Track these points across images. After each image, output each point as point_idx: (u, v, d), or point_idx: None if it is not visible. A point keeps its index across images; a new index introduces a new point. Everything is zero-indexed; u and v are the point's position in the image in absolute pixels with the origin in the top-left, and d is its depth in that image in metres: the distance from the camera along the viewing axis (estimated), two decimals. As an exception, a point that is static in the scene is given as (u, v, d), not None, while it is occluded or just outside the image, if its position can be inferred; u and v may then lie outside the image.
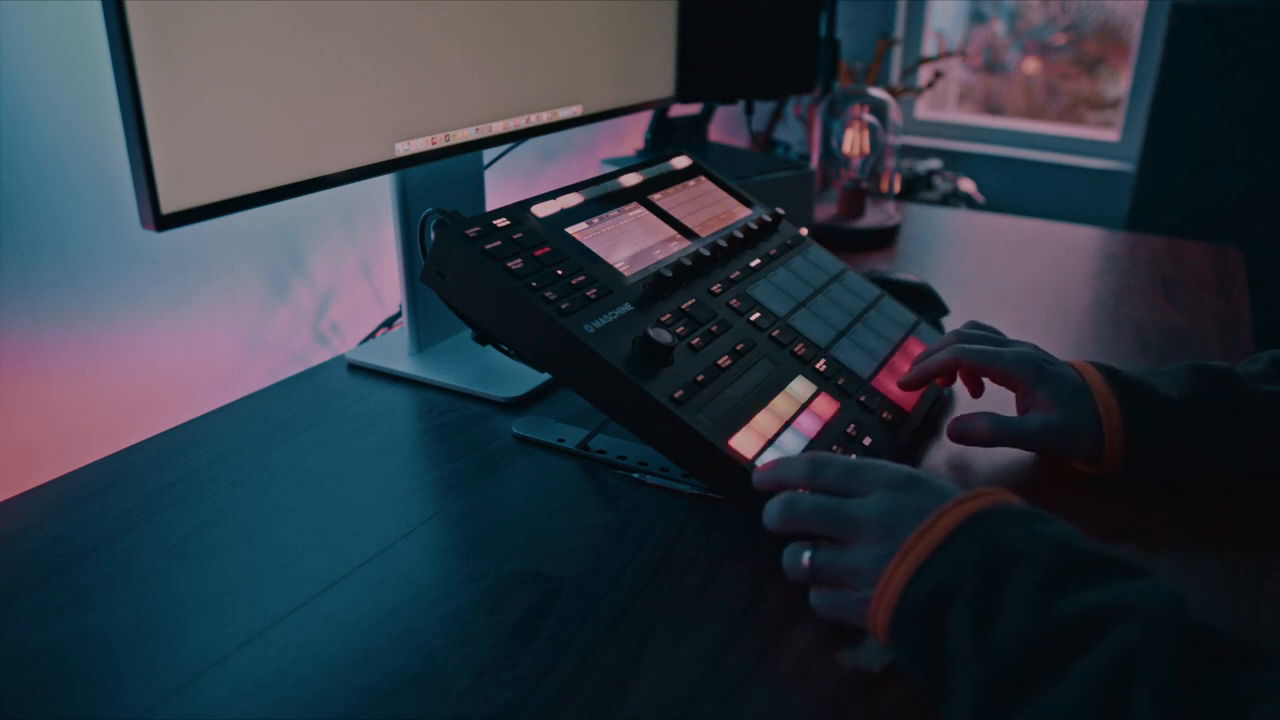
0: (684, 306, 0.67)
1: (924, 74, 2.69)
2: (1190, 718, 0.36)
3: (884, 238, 1.24)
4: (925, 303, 0.92)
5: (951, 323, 0.95)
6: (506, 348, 0.68)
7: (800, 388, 0.66)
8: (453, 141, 0.78)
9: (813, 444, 0.61)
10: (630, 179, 0.79)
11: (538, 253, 0.64)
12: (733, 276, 0.73)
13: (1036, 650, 0.40)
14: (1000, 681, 0.40)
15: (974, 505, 0.46)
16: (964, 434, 0.67)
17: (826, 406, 0.65)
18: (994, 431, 0.65)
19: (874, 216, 1.28)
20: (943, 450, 0.71)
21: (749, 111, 1.35)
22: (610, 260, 0.68)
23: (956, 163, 2.64)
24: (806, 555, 0.51)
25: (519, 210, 0.68)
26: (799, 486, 0.53)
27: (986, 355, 0.67)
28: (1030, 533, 0.44)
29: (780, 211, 0.84)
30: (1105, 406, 0.62)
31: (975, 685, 0.41)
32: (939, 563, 0.44)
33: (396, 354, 0.83)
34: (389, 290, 1.09)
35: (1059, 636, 0.40)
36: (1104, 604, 0.40)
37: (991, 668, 0.41)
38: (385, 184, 0.80)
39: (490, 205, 0.93)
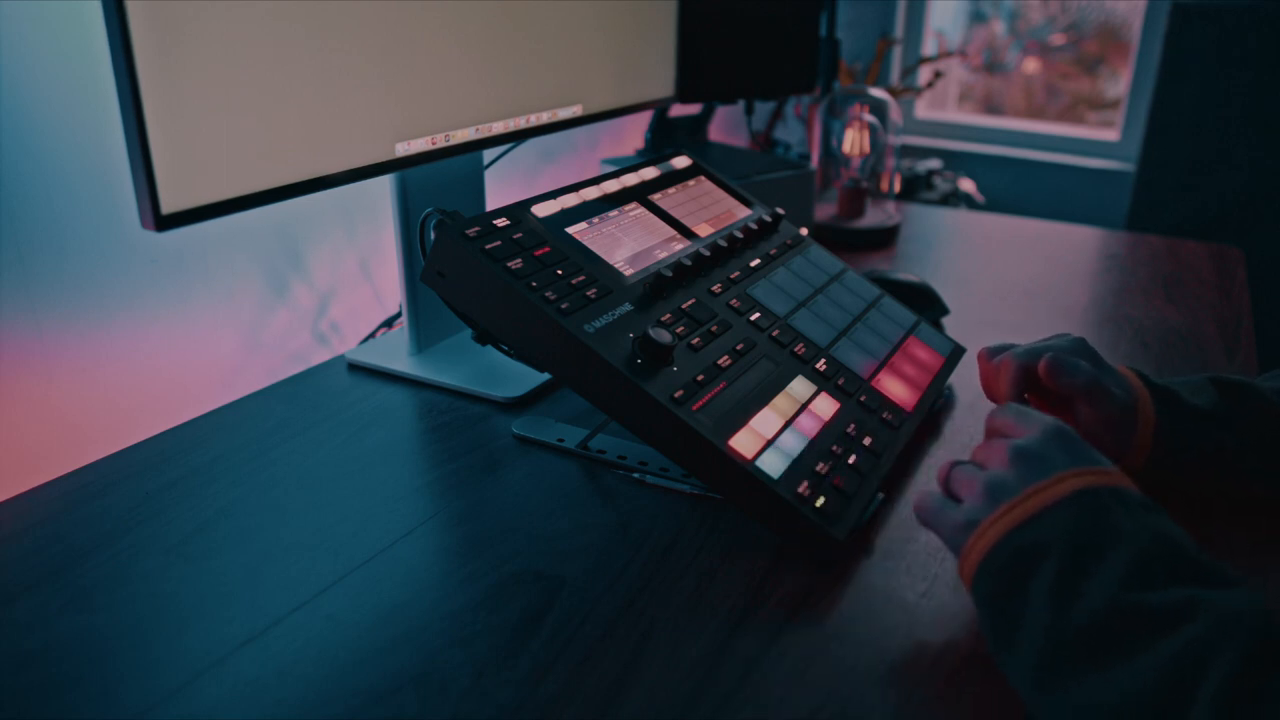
0: (684, 306, 0.67)
1: (924, 74, 2.69)
2: (1253, 715, 0.36)
3: (884, 238, 1.24)
4: (925, 303, 0.92)
5: (951, 323, 0.95)
6: (506, 348, 0.68)
7: (800, 388, 0.66)
8: (453, 141, 0.78)
9: (812, 444, 0.61)
10: (630, 179, 0.79)
11: (538, 253, 0.64)
12: (733, 276, 0.73)
13: (1112, 625, 0.41)
14: (1068, 647, 0.42)
15: (1093, 480, 0.47)
16: (1063, 371, 0.61)
17: (826, 406, 0.65)
18: (1090, 383, 0.61)
19: (874, 216, 1.28)
20: (943, 450, 0.71)
21: (749, 111, 1.35)
22: (610, 260, 0.68)
23: (956, 163, 2.64)
24: (949, 462, 0.54)
25: (519, 210, 0.68)
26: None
27: (1043, 349, 0.64)
28: (1136, 521, 0.45)
29: (780, 211, 0.84)
30: (1143, 405, 0.62)
31: (1043, 642, 0.42)
32: (1039, 523, 0.46)
33: (396, 354, 0.83)
34: (389, 290, 1.09)
35: (1137, 617, 0.41)
36: (1187, 597, 0.41)
37: (1062, 629, 0.42)
38: (385, 184, 0.80)
39: (490, 205, 0.93)
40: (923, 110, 2.79)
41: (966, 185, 2.44)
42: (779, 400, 0.64)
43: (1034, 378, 0.64)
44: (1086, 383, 0.61)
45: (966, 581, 0.49)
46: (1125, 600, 0.42)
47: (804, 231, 0.87)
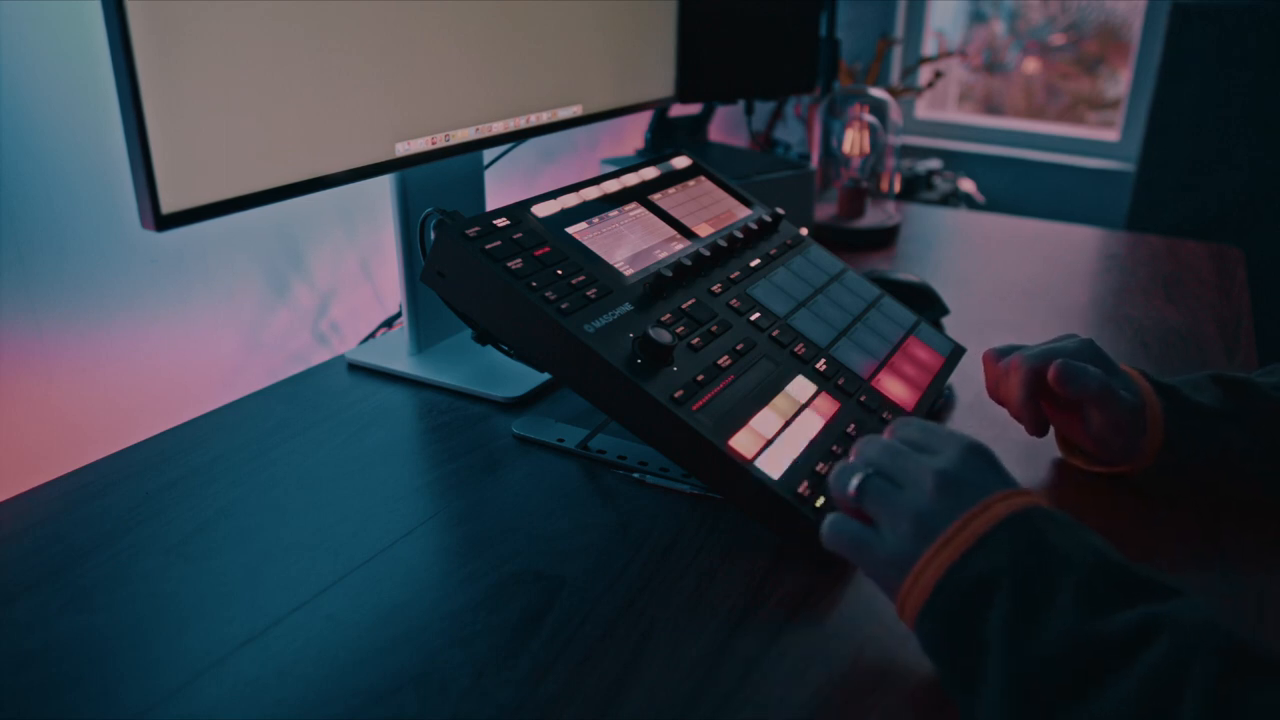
0: (684, 306, 0.67)
1: (924, 74, 2.69)
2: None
3: (884, 238, 1.24)
4: (925, 303, 0.92)
5: (951, 323, 0.95)
6: (506, 348, 0.68)
7: (800, 388, 0.66)
8: (453, 141, 0.78)
9: (813, 444, 0.61)
10: (630, 179, 0.79)
11: (538, 253, 0.64)
12: (733, 276, 0.73)
13: (1078, 656, 0.40)
14: (1037, 679, 0.40)
15: (1021, 502, 0.46)
16: (1073, 378, 0.61)
17: (826, 406, 0.65)
18: (1101, 387, 0.61)
19: (874, 216, 1.28)
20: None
21: (749, 111, 1.35)
22: (610, 260, 0.68)
23: (956, 163, 2.64)
24: (859, 476, 0.49)
25: (519, 210, 0.68)
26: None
27: (1053, 351, 0.64)
28: (1072, 539, 0.44)
29: (780, 211, 0.84)
30: (1150, 405, 0.62)
31: (1009, 679, 0.41)
32: (981, 554, 0.44)
33: (396, 354, 0.83)
34: (389, 290, 1.09)
35: (1104, 643, 0.40)
36: (1150, 615, 0.40)
37: (1028, 663, 0.40)
38: (385, 184, 0.80)
39: (490, 205, 0.93)
40: (923, 110, 2.79)
41: (966, 185, 2.44)
42: (779, 400, 0.64)
43: (1045, 381, 0.63)
44: (1098, 389, 0.61)
45: (909, 623, 0.46)
46: (1086, 629, 0.40)
47: (804, 231, 0.87)
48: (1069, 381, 0.61)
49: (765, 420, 0.61)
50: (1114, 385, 0.61)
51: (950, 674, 0.44)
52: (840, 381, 0.68)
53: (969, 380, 0.81)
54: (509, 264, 0.62)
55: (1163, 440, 0.61)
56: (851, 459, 0.52)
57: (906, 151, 2.67)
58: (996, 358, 0.68)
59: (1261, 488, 0.62)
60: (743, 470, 0.57)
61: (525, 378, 0.78)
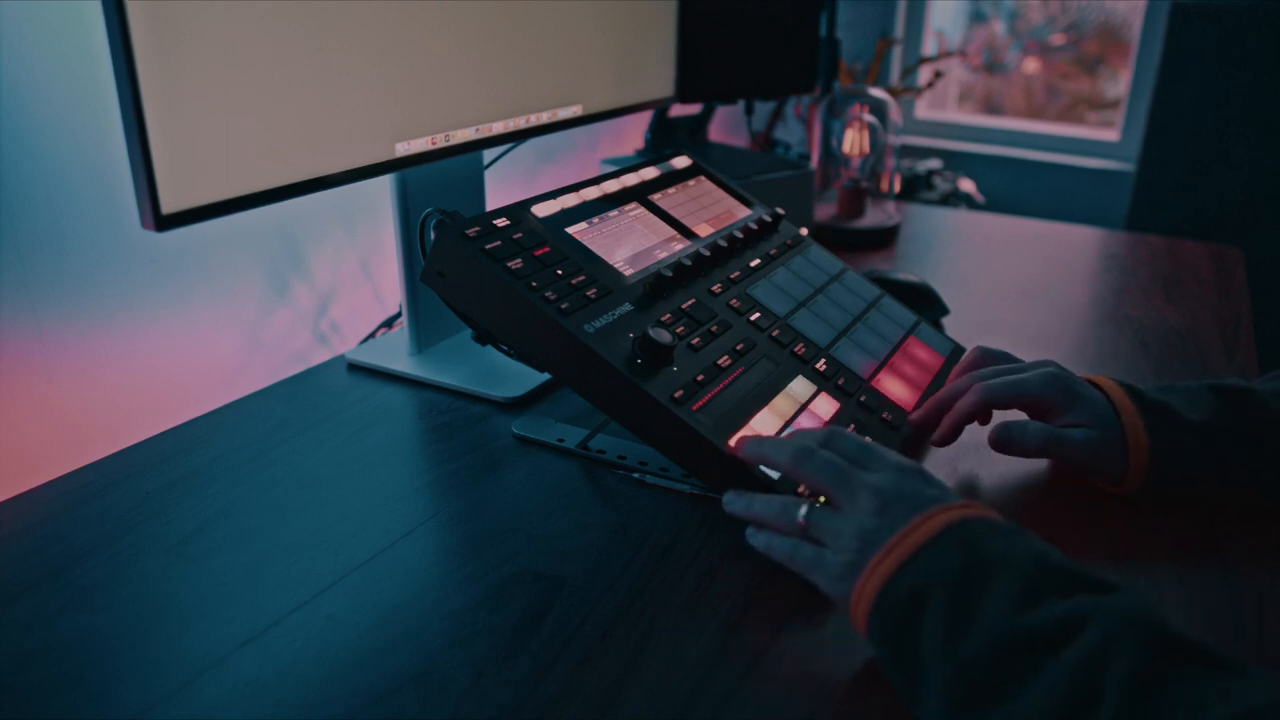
0: (684, 306, 0.67)
1: (924, 74, 2.69)
2: (1157, 714, 0.36)
3: (884, 238, 1.24)
4: (925, 303, 0.92)
5: (951, 323, 0.95)
6: (506, 348, 0.68)
7: (800, 388, 0.66)
8: (453, 141, 0.78)
9: (813, 444, 0.61)
10: (630, 179, 0.79)
11: (538, 253, 0.64)
12: (733, 276, 0.73)
13: (1009, 653, 0.40)
14: (970, 683, 0.41)
15: (962, 513, 0.47)
16: (1011, 442, 0.63)
17: (826, 406, 0.65)
18: (1045, 441, 0.62)
19: (874, 216, 1.28)
20: (942, 450, 0.71)
21: (749, 111, 1.35)
22: (610, 260, 0.68)
23: (956, 163, 2.64)
24: (804, 510, 0.52)
25: (519, 210, 0.68)
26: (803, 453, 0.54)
27: (1013, 386, 0.64)
28: (1012, 544, 0.45)
29: (780, 211, 0.84)
30: (1132, 427, 0.61)
31: (946, 685, 0.41)
32: (920, 563, 0.45)
33: (396, 354, 0.83)
34: (389, 290, 1.09)
35: (1032, 640, 0.40)
36: (1077, 610, 0.41)
37: (962, 669, 0.41)
38: (385, 184, 0.80)
39: (490, 205, 0.93)
40: (923, 110, 2.79)
41: (966, 185, 2.44)
42: (779, 400, 0.64)
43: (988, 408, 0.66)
44: (1040, 444, 0.62)
45: (860, 627, 0.47)
46: (1019, 624, 0.41)
47: (804, 231, 0.87)
48: (1008, 448, 0.63)
49: (765, 420, 0.61)
50: (1058, 434, 0.62)
51: (899, 683, 0.45)
52: (840, 381, 0.68)
53: (969, 380, 0.81)
54: (509, 264, 0.62)
55: (1148, 460, 0.60)
56: (791, 452, 0.53)
57: (906, 151, 2.67)
58: (978, 360, 0.69)
59: (1261, 492, 0.62)
60: (743, 470, 0.57)
61: (525, 378, 0.78)
